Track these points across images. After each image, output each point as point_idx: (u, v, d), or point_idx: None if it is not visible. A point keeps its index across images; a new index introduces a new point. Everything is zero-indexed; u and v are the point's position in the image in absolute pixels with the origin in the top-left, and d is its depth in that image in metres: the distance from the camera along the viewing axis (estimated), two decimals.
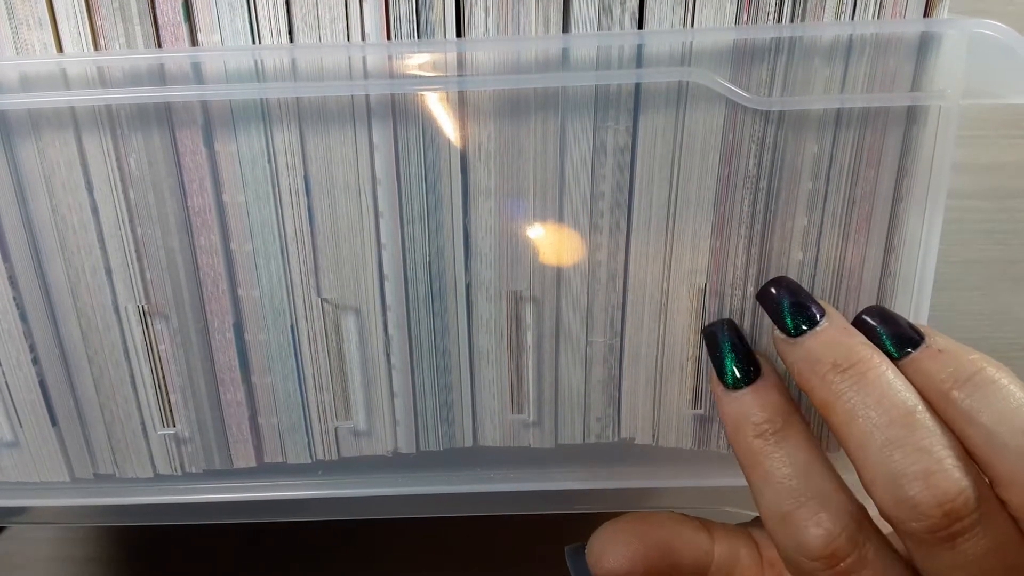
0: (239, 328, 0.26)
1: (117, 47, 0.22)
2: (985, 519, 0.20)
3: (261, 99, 0.23)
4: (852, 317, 0.24)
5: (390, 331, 0.26)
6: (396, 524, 0.38)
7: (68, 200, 0.24)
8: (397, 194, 0.24)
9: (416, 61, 0.23)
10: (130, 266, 0.25)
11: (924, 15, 0.23)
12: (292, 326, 0.26)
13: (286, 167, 0.24)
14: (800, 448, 0.23)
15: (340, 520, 0.29)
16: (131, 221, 0.24)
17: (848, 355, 0.22)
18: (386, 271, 0.25)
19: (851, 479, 0.22)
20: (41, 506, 0.29)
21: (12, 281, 0.25)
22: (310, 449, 0.28)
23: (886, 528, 0.22)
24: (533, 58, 0.23)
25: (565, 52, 0.23)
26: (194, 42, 0.23)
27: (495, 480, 0.28)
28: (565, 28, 0.23)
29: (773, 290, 0.24)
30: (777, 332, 0.24)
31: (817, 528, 0.21)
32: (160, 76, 0.23)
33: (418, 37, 0.23)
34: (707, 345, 0.25)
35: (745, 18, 0.23)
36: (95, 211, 0.24)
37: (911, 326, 0.23)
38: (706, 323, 0.26)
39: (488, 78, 0.23)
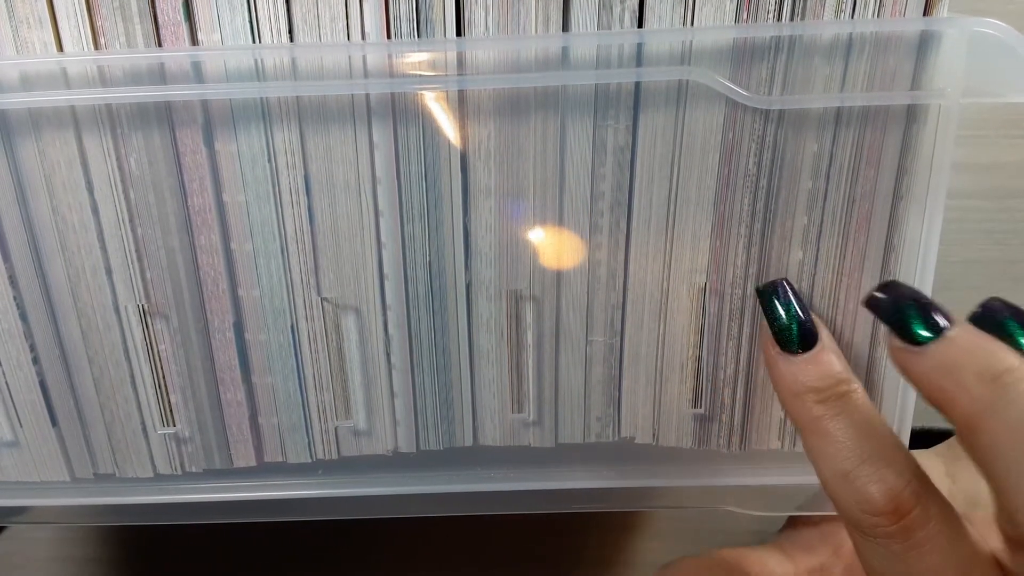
0: (239, 328, 0.26)
1: (117, 46, 0.23)
2: None
3: (261, 98, 0.23)
4: (852, 317, 0.24)
5: (390, 330, 0.26)
6: (396, 524, 0.38)
7: (68, 200, 0.24)
8: (397, 193, 0.24)
9: (416, 60, 0.23)
10: (130, 266, 0.25)
11: (924, 14, 0.23)
12: (292, 326, 0.26)
13: (286, 166, 0.24)
14: (859, 411, 0.22)
15: (340, 520, 0.29)
16: (131, 221, 0.24)
17: (991, 363, 0.19)
18: (386, 270, 0.25)
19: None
20: (41, 506, 0.29)
21: (12, 281, 0.25)
22: (310, 449, 0.28)
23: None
24: (533, 57, 0.23)
25: (565, 51, 0.23)
26: (194, 41, 0.23)
27: (495, 480, 0.28)
28: (565, 27, 0.23)
29: (886, 295, 0.22)
30: (896, 341, 0.21)
31: (881, 484, 0.21)
32: (160, 75, 0.23)
33: (418, 36, 0.23)
34: (764, 307, 0.24)
35: (745, 17, 0.23)
36: (95, 211, 0.24)
37: None
38: (708, 319, 0.26)
39: (488, 77, 0.23)
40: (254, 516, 0.28)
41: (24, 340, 0.26)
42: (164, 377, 0.26)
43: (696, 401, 0.27)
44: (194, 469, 0.28)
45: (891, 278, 0.24)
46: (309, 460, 0.28)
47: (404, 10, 0.22)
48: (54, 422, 0.27)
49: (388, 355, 0.26)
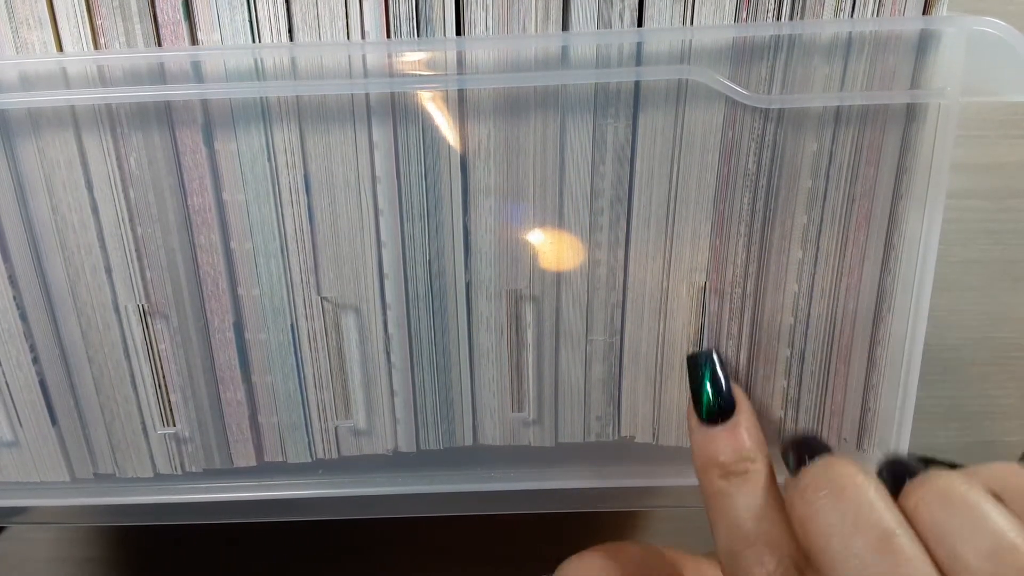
0: (239, 327, 0.26)
1: (117, 46, 0.23)
2: None
3: (261, 98, 0.23)
4: (852, 316, 0.24)
5: (390, 329, 0.26)
6: (396, 524, 0.38)
7: (68, 199, 0.24)
8: (397, 192, 0.24)
9: (416, 59, 0.23)
10: (130, 265, 0.25)
11: (923, 13, 0.23)
12: (292, 325, 0.26)
13: (286, 165, 0.24)
14: (759, 492, 0.23)
15: (340, 520, 0.29)
16: (131, 220, 0.24)
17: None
18: (386, 269, 0.25)
19: None
20: (41, 506, 0.29)
21: (12, 281, 0.25)
22: (310, 448, 0.28)
23: None
24: (533, 56, 0.23)
25: (565, 50, 0.23)
26: (194, 41, 0.23)
27: (495, 479, 0.28)
28: (565, 26, 0.23)
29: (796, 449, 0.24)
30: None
31: (761, 568, 0.22)
32: (160, 75, 0.23)
33: (418, 35, 0.23)
34: (689, 376, 0.26)
35: (744, 16, 0.23)
36: (95, 210, 0.24)
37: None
38: (708, 317, 0.26)
39: (488, 76, 0.23)
40: (254, 516, 0.28)
41: (24, 340, 0.26)
42: (164, 377, 0.26)
43: None
44: (194, 469, 0.28)
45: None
46: (309, 460, 0.28)
47: (404, 9, 0.22)
48: (54, 422, 0.27)
49: (388, 354, 0.26)
